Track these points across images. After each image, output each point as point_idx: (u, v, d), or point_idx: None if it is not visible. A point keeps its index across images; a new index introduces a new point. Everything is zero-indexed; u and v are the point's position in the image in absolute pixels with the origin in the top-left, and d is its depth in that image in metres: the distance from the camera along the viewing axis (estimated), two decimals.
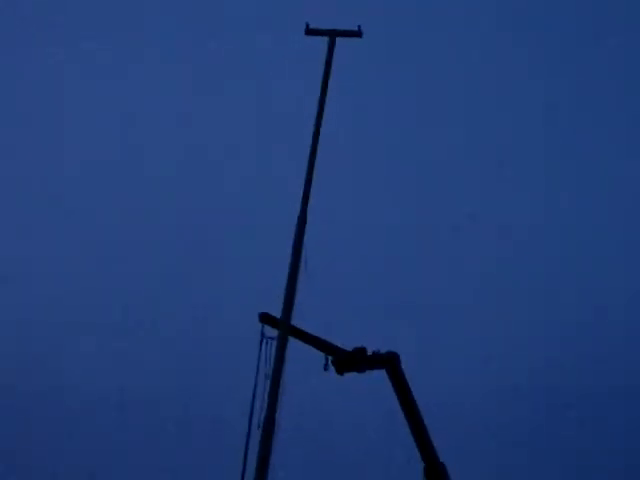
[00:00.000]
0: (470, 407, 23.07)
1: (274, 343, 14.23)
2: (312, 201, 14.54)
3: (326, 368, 15.25)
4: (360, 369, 15.40)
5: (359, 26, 15.01)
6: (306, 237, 14.41)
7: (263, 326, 14.82)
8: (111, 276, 24.79)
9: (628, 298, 24.64)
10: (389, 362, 15.68)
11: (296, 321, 14.68)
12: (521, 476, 22.62)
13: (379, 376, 15.90)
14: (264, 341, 14.74)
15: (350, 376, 15.40)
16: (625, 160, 26.05)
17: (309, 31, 15.24)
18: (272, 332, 14.61)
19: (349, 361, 15.23)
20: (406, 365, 15.90)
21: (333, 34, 14.98)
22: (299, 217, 14.33)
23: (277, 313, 14.29)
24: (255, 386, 14.44)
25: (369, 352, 15.49)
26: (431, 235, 25.06)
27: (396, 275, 24.64)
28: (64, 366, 23.68)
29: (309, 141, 14.68)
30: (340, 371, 15.29)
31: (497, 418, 22.94)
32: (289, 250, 14.36)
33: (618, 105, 26.48)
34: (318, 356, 15.45)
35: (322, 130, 14.75)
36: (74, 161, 25.90)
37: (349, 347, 15.59)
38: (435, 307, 24.15)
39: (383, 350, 15.77)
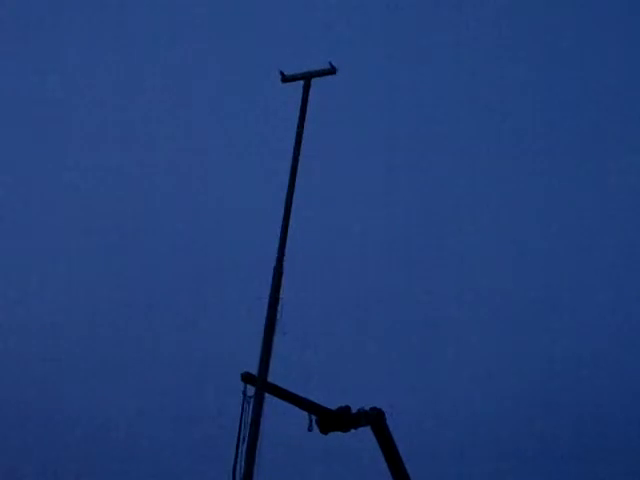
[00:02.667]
0: (470, 419, 22.95)
1: None
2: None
3: (310, 429, 14.97)
4: (345, 429, 15.14)
5: (330, 62, 14.72)
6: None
7: (245, 386, 14.43)
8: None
9: (627, 307, 24.70)
10: (374, 420, 15.42)
11: (281, 381, 14.43)
12: None
13: None
14: (246, 401, 14.39)
15: None
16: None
17: (285, 79, 15.02)
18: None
19: (334, 421, 14.96)
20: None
21: (308, 76, 14.82)
22: (275, 268, 13.94)
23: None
24: (237, 444, 14.09)
25: (353, 410, 15.26)
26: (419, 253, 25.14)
27: (392, 293, 24.68)
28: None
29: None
30: (325, 431, 15.02)
31: (496, 428, 22.79)
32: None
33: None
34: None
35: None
36: (71, 165, 25.95)
37: (335, 396, 15.48)
38: (432, 322, 24.20)
39: (367, 407, 15.55)
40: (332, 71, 14.75)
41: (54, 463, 22.88)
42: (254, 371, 13.87)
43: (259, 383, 13.55)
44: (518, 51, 27.62)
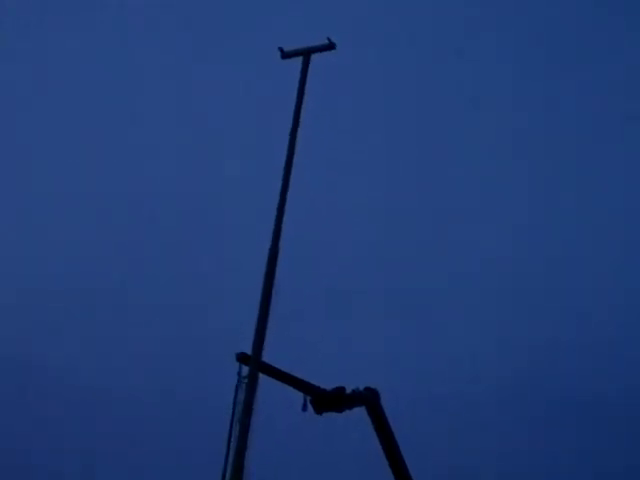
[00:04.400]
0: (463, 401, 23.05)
1: None
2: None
3: (305, 408, 15.01)
4: (339, 409, 15.19)
5: (329, 39, 14.75)
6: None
7: (240, 366, 14.41)
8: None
9: (625, 296, 24.77)
10: (369, 400, 15.48)
11: (276, 361, 14.47)
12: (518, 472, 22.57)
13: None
14: (240, 382, 14.38)
15: None
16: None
17: (285, 55, 15.06)
18: None
19: (328, 401, 15.02)
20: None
21: (308, 52, 14.86)
22: (270, 250, 13.88)
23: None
24: (231, 427, 14.11)
25: (348, 390, 15.33)
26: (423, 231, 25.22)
27: (386, 274, 24.70)
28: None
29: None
30: (319, 411, 15.07)
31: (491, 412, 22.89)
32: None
33: None
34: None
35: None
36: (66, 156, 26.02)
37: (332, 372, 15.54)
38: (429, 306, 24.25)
39: (362, 387, 15.61)
40: (331, 46, 14.80)
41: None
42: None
43: (253, 363, 13.56)
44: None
